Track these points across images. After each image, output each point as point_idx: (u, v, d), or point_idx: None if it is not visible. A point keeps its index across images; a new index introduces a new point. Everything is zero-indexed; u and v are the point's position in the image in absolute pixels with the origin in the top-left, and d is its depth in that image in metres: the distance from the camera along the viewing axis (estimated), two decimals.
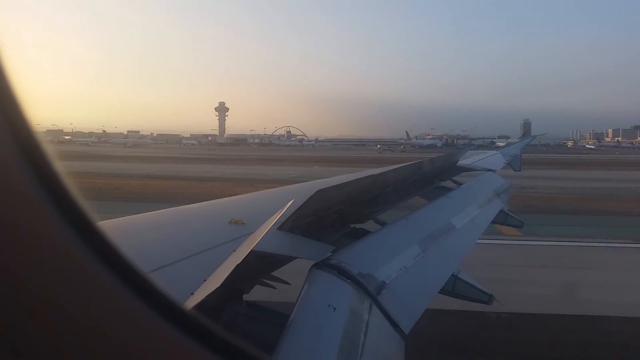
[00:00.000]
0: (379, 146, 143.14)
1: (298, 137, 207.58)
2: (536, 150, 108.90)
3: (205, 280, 1.85)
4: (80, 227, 0.89)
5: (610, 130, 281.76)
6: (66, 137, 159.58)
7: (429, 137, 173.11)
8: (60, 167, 0.89)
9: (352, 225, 3.65)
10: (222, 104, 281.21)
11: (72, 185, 0.90)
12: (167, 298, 1.06)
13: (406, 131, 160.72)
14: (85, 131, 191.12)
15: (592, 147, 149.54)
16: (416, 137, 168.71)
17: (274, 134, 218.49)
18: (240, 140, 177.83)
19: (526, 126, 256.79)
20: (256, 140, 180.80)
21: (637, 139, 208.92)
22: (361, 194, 3.69)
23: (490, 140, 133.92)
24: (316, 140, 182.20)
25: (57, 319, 0.80)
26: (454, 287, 3.75)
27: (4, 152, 0.79)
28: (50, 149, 0.88)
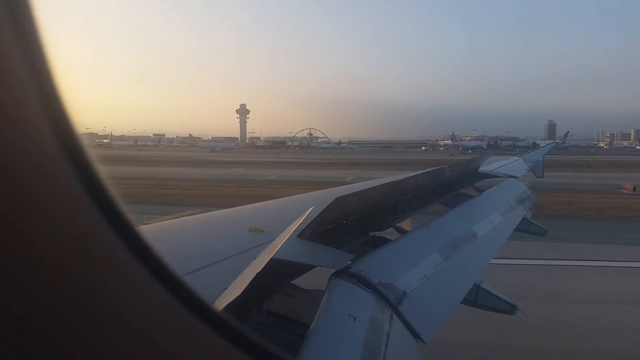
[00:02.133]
0: (424, 148, 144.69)
1: (320, 139, 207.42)
2: (580, 152, 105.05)
3: (226, 289, 1.87)
4: (120, 228, 0.91)
5: (632, 130, 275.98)
6: (105, 141, 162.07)
7: (466, 138, 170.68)
8: (100, 169, 0.89)
9: (372, 233, 3.62)
10: (243, 106, 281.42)
11: (111, 187, 0.91)
12: (198, 298, 1.09)
13: (452, 133, 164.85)
14: (116, 134, 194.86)
15: None
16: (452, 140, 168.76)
17: (296, 135, 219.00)
18: (279, 143, 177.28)
19: (551, 127, 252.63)
20: (296, 143, 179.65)
21: None
22: (381, 201, 3.66)
23: (533, 142, 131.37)
24: (348, 142, 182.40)
25: (95, 313, 0.81)
26: (476, 297, 3.68)
27: (50, 154, 0.81)
28: (91, 152, 0.88)
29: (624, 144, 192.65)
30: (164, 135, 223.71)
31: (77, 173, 0.85)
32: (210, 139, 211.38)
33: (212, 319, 1.05)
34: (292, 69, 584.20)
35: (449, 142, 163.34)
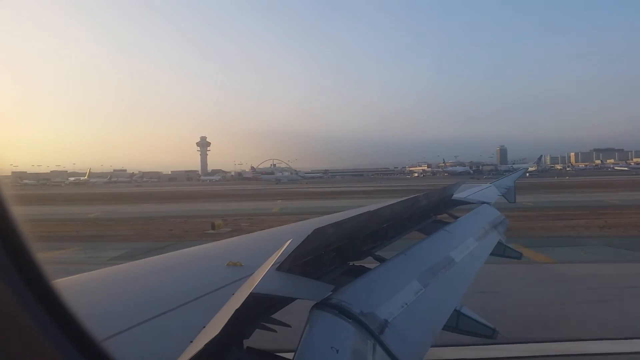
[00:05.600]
0: (416, 174, 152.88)
1: (283, 169, 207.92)
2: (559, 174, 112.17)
3: (204, 327, 1.81)
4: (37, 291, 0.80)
5: (572, 154, 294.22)
6: (82, 179, 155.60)
7: (443, 164, 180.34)
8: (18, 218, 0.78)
9: (351, 263, 3.61)
10: (203, 138, 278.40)
11: (29, 241, 0.79)
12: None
13: (443, 159, 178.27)
14: (81, 171, 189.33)
15: (625, 168, 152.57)
16: (429, 166, 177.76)
17: (260, 166, 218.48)
18: (267, 174, 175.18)
19: (502, 152, 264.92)
20: (286, 174, 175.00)
21: (595, 161, 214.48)
22: (359, 230, 3.67)
23: (510, 165, 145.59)
24: (326, 172, 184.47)
25: None
26: (457, 322, 3.67)
27: None
28: (9, 199, 0.77)
29: (582, 165, 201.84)
30: (125, 170, 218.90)
31: None
32: (170, 172, 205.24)
33: None
34: (249, 102, 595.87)
35: (426, 167, 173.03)
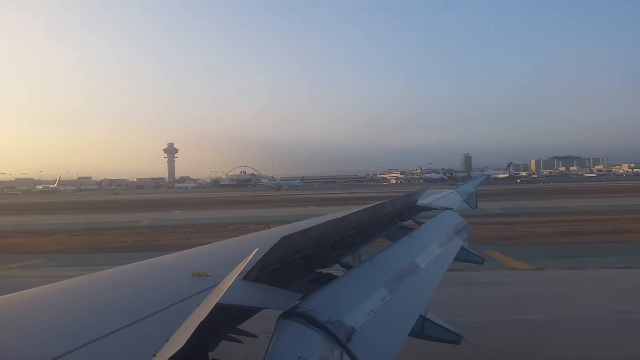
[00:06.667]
0: (393, 181, 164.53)
1: (256, 175, 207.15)
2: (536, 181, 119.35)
3: (167, 340, 1.77)
4: None
5: (532, 161, 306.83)
6: (51, 187, 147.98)
7: (419, 170, 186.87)
8: None
9: (319, 271, 3.61)
10: (170, 145, 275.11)
11: None
12: None
13: (420, 166, 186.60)
14: (47, 179, 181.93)
15: (593, 174, 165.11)
16: (403, 173, 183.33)
17: (230, 173, 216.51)
18: (245, 181, 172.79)
19: (467, 160, 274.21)
20: (264, 181, 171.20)
21: (557, 168, 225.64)
22: (326, 237, 3.68)
23: (480, 172, 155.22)
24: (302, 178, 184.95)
25: None
26: (422, 328, 3.73)
27: None
28: None
29: (545, 172, 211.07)
30: (90, 177, 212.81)
31: None
32: (136, 179, 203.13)
33: None
34: (216, 110, 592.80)
35: (399, 174, 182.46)
